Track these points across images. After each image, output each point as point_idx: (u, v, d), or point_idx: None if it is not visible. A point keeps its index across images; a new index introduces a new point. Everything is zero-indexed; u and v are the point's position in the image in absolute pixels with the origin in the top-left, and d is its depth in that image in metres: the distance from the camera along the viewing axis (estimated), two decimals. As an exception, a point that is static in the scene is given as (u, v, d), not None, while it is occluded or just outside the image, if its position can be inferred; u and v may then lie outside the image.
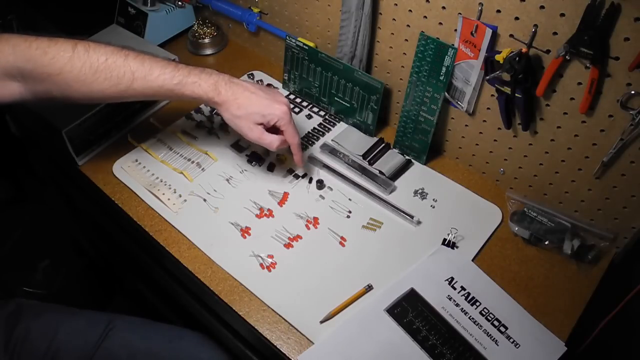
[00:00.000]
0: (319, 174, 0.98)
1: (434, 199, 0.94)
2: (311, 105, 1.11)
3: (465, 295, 0.81)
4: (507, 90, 0.80)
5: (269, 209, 0.91)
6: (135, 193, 0.94)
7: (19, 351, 0.85)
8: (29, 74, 0.67)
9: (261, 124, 0.82)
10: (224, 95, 0.79)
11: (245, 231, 0.88)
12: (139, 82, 0.74)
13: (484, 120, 0.91)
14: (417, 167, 1.00)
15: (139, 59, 0.74)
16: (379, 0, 0.92)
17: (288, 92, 1.14)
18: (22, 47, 0.67)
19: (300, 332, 0.77)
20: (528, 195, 0.93)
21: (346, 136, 1.03)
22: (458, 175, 0.98)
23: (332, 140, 1.03)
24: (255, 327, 0.77)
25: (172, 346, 0.90)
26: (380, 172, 0.96)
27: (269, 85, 1.15)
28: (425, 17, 0.87)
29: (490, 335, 0.76)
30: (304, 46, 1.04)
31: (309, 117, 1.09)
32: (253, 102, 0.80)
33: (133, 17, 1.20)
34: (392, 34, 0.94)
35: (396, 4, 0.89)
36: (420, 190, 0.95)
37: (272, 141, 0.83)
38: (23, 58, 0.67)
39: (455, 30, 0.84)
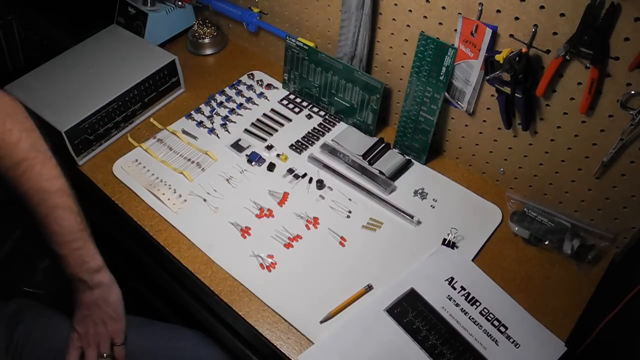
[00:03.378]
0: (319, 174, 0.98)
1: (434, 199, 0.93)
2: (311, 105, 1.11)
3: (465, 295, 0.81)
4: (507, 90, 0.80)
5: (269, 209, 0.91)
6: (135, 193, 0.94)
7: (20, 352, 0.85)
8: None
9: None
10: (74, 291, 0.76)
11: (245, 231, 0.88)
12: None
13: (484, 120, 0.91)
14: (417, 167, 1.00)
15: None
16: (379, 0, 0.92)
17: (288, 92, 1.14)
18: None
19: (300, 332, 0.77)
20: (528, 195, 0.93)
21: (346, 136, 1.03)
22: (458, 175, 0.98)
23: (332, 140, 1.03)
24: (255, 327, 0.77)
25: (172, 345, 0.90)
26: (380, 172, 0.96)
27: (269, 85, 1.15)
28: (425, 17, 0.87)
29: (490, 335, 0.76)
30: (304, 46, 1.04)
31: (309, 117, 1.09)
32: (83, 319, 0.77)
33: (133, 17, 1.20)
34: (392, 34, 0.94)
35: (396, 4, 0.89)
36: (420, 190, 0.95)
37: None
38: None
39: (455, 30, 0.84)
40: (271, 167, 0.98)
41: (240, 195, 0.93)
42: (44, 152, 0.75)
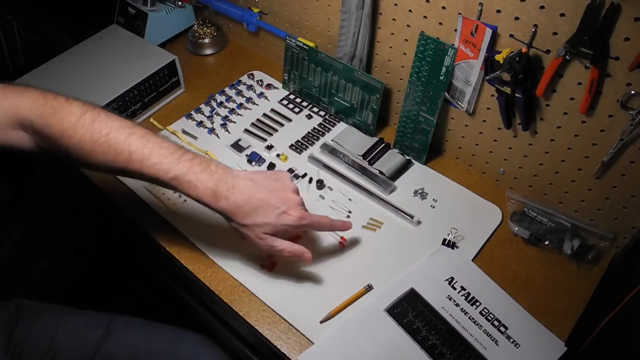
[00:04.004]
0: (319, 174, 0.98)
1: (434, 199, 0.93)
2: (311, 105, 1.11)
3: (465, 295, 0.81)
4: (507, 90, 0.80)
5: (269, 209, 0.91)
6: (135, 193, 0.94)
7: (20, 352, 0.85)
8: (39, 130, 0.66)
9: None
10: (224, 204, 0.69)
11: (245, 231, 0.88)
12: (135, 164, 0.67)
13: (484, 120, 0.91)
14: (417, 167, 1.00)
15: (143, 139, 0.67)
16: (379, 0, 0.92)
17: (288, 92, 1.14)
18: (39, 102, 0.66)
19: (300, 332, 0.77)
20: (528, 195, 0.93)
21: (346, 136, 1.03)
22: (458, 175, 0.98)
23: (332, 140, 1.03)
24: (255, 327, 0.77)
25: (172, 347, 0.90)
26: (380, 172, 0.96)
27: (269, 85, 1.15)
28: (425, 17, 0.87)
29: (490, 335, 0.76)
30: (304, 46, 1.04)
31: (309, 117, 1.09)
32: (261, 212, 0.70)
33: (133, 17, 1.20)
34: (392, 34, 0.94)
35: (396, 4, 0.89)
36: (420, 190, 0.95)
37: (284, 248, 0.73)
38: (37, 113, 0.66)
39: (455, 30, 0.84)
40: (271, 167, 0.98)
41: (240, 195, 0.93)
42: (92, 105, 0.69)
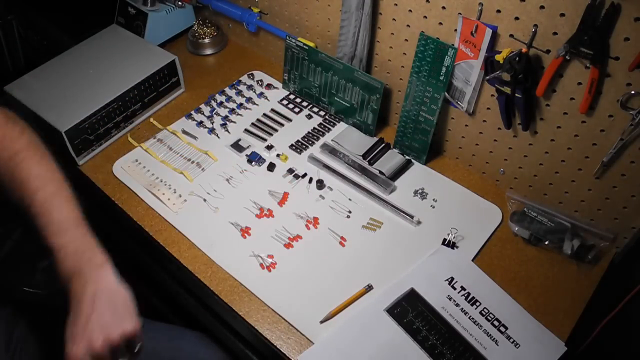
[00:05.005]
0: (319, 174, 0.98)
1: (434, 199, 0.93)
2: (311, 105, 1.11)
3: (465, 295, 0.81)
4: (507, 90, 0.80)
5: (269, 209, 0.91)
6: (135, 193, 0.94)
7: (20, 352, 0.85)
8: None
9: None
10: (72, 290, 0.64)
11: (245, 231, 0.88)
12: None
13: (484, 120, 0.91)
14: (417, 167, 1.00)
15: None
16: (379, 0, 0.92)
17: (288, 92, 1.14)
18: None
19: (300, 332, 0.77)
20: (528, 195, 0.93)
21: (346, 136, 1.03)
22: (458, 175, 0.98)
23: (332, 140, 1.03)
24: (255, 327, 0.77)
25: (172, 345, 0.90)
26: (380, 172, 0.96)
27: (269, 85, 1.15)
28: (425, 17, 0.87)
29: (490, 335, 0.76)
30: (304, 46, 1.04)
31: (309, 117, 1.09)
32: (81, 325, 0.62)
33: (133, 17, 1.20)
34: (392, 34, 0.94)
35: (396, 4, 0.89)
36: (420, 190, 0.95)
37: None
38: None
39: (455, 30, 0.84)
40: (271, 167, 0.98)
41: (240, 195, 0.93)
42: (42, 149, 0.74)
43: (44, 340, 0.87)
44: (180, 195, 0.93)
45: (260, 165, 0.99)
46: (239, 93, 1.13)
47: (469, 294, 0.81)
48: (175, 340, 0.91)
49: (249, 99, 1.12)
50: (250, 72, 1.18)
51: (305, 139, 1.04)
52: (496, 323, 0.78)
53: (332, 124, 1.07)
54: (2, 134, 0.72)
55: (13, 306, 0.91)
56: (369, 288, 0.81)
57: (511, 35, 0.77)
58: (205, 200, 0.93)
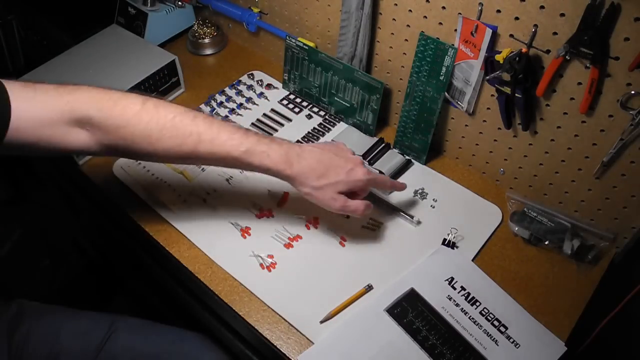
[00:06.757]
0: (319, 174, 0.97)
1: (434, 199, 0.93)
2: (311, 105, 1.11)
3: (465, 295, 0.81)
4: (507, 90, 0.80)
5: (269, 209, 0.91)
6: (135, 193, 0.94)
7: (21, 354, 0.85)
8: (99, 124, 0.66)
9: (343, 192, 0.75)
10: (297, 168, 0.73)
11: (245, 231, 0.88)
12: (205, 145, 0.69)
13: (484, 120, 0.91)
14: (417, 167, 1.00)
15: (207, 121, 0.70)
16: (379, 0, 0.92)
17: (288, 92, 1.14)
18: (96, 96, 0.67)
19: (300, 332, 0.77)
20: (528, 195, 0.93)
21: (346, 136, 1.03)
22: (458, 175, 0.98)
23: (332, 140, 1.03)
24: (255, 327, 0.77)
25: (173, 348, 0.90)
26: (380, 172, 0.96)
27: (269, 85, 1.15)
28: (425, 17, 0.87)
29: (490, 335, 0.76)
30: (304, 46, 1.04)
31: (309, 117, 1.09)
32: (332, 171, 0.74)
33: (133, 17, 1.20)
34: (392, 34, 0.94)
35: (396, 4, 0.89)
36: (420, 190, 0.95)
37: (357, 207, 0.76)
38: (96, 107, 0.66)
39: (455, 30, 0.84)
40: (271, 167, 0.98)
41: (240, 195, 0.93)
42: (193, 113, 0.72)
43: (44, 341, 0.87)
44: (180, 195, 0.93)
45: (260, 165, 0.99)
46: (239, 93, 1.13)
47: (469, 294, 0.81)
48: (177, 343, 0.91)
49: (249, 99, 1.12)
50: (250, 72, 1.18)
51: (306, 139, 1.04)
52: (496, 323, 0.78)
53: (332, 124, 1.07)
54: (180, 121, 0.69)
55: (14, 307, 0.91)
56: (369, 288, 0.81)
57: (511, 35, 0.77)
58: (205, 200, 0.93)
